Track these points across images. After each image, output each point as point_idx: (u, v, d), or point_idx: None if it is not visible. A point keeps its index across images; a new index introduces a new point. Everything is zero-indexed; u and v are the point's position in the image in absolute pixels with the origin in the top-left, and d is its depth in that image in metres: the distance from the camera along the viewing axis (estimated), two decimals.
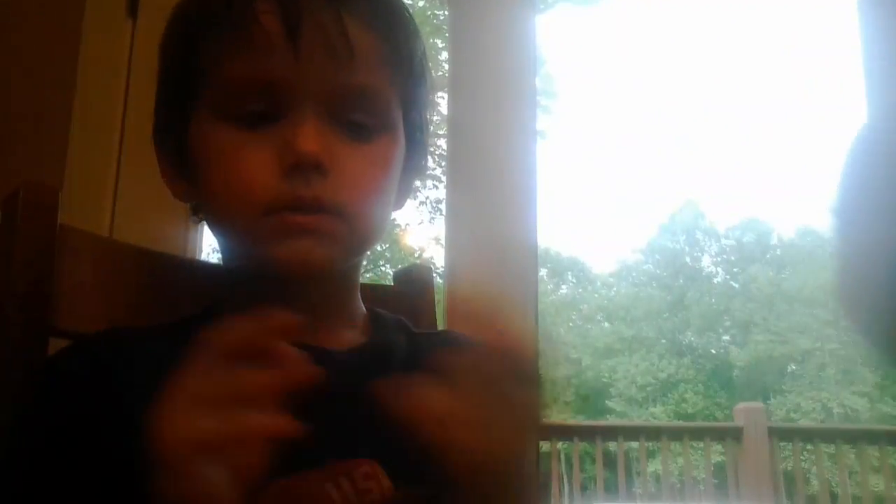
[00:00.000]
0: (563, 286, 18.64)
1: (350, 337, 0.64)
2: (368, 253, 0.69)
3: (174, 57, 0.63)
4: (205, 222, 0.66)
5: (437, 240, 11.78)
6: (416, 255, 12.28)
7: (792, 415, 15.04)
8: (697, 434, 5.24)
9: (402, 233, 12.62)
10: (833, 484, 6.29)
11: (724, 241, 18.94)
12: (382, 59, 0.60)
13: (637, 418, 14.91)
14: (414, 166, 0.67)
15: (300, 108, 0.57)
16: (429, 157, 0.71)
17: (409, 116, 0.65)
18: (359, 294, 0.68)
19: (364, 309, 0.68)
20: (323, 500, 0.53)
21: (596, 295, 18.69)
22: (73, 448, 0.53)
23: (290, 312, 0.45)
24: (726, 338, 17.48)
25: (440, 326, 0.83)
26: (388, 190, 0.63)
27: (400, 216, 12.80)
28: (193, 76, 0.60)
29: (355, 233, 0.59)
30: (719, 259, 18.88)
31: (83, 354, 0.59)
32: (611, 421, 13.26)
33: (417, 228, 12.30)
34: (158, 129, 0.65)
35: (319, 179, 0.56)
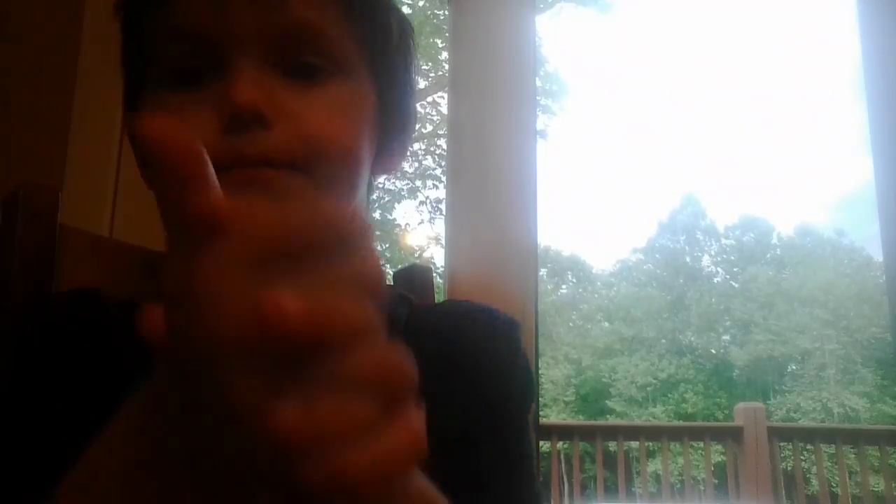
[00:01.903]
0: (563, 286, 18.65)
1: None
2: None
3: (124, 40, 0.61)
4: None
5: (437, 240, 11.80)
6: (416, 255, 12.29)
7: (792, 415, 15.05)
8: (697, 434, 5.24)
9: (402, 233, 12.62)
10: (833, 484, 6.30)
11: (724, 240, 18.97)
12: None
13: (637, 418, 14.92)
14: (394, 125, 0.60)
15: (235, 57, 0.52)
16: (414, 120, 0.64)
17: (377, 64, 0.58)
18: None
19: None
20: None
21: (596, 295, 18.69)
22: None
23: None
24: (726, 338, 17.50)
25: None
26: (354, 137, 0.55)
27: (400, 216, 12.82)
28: (138, 54, 0.58)
29: (323, 183, 0.52)
30: (719, 259, 18.90)
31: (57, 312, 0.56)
32: (611, 421, 13.28)
33: (417, 228, 12.32)
34: (126, 118, 0.62)
35: (263, 133, 0.50)
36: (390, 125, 0.60)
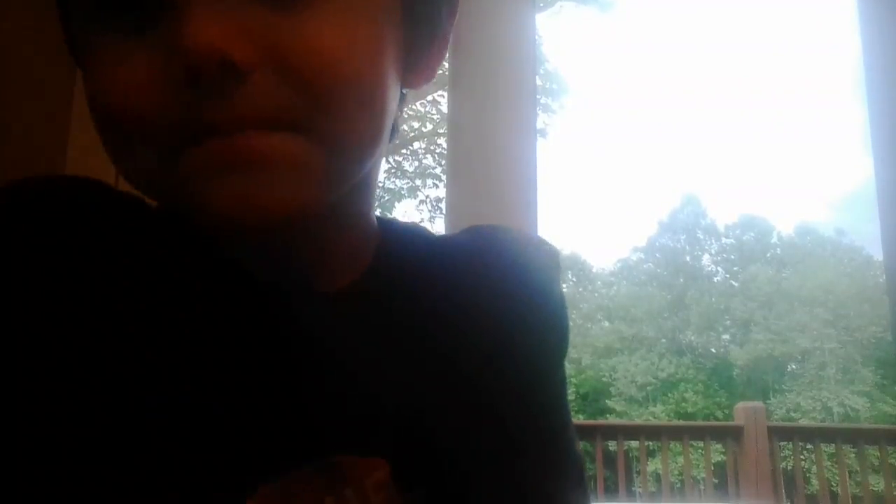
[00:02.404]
0: (564, 285, 18.63)
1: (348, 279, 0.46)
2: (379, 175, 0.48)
3: None
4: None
5: None
6: None
7: (792, 414, 15.04)
8: (697, 433, 5.24)
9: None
10: (833, 483, 6.30)
11: (724, 239, 18.96)
12: None
13: (637, 418, 14.91)
14: (428, 13, 0.44)
15: None
16: (455, 7, 0.47)
17: None
18: (366, 229, 0.47)
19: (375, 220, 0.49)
20: None
21: (596, 294, 18.69)
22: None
23: None
24: (726, 337, 17.49)
25: None
26: (372, 62, 0.39)
27: (400, 215, 12.82)
28: None
29: (332, 142, 0.37)
30: (719, 258, 18.89)
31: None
32: (611, 420, 13.26)
33: None
34: (67, 43, 0.45)
35: (236, 86, 0.35)
36: (422, 19, 0.44)
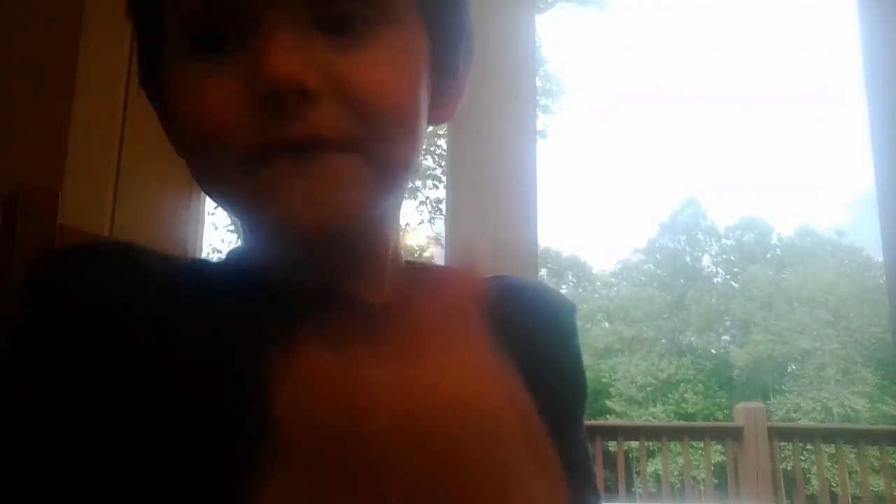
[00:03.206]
0: (564, 286, 18.63)
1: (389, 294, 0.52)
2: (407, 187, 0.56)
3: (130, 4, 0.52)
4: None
5: (437, 240, 11.79)
6: (416, 255, 12.29)
7: (792, 415, 15.04)
8: (697, 434, 5.24)
9: (402, 233, 12.59)
10: (833, 484, 6.29)
11: (724, 240, 18.96)
12: None
13: (637, 418, 14.91)
14: (449, 69, 0.52)
15: (263, 16, 0.43)
16: (471, 56, 0.55)
17: (424, 3, 0.49)
18: (399, 247, 0.55)
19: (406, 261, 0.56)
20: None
21: (596, 295, 18.69)
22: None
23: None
24: (726, 338, 17.49)
25: None
26: (411, 98, 0.47)
27: (400, 216, 12.78)
28: (155, 14, 0.49)
29: (380, 162, 0.45)
30: (719, 259, 18.89)
31: (98, 260, 0.47)
32: (611, 421, 13.27)
33: (417, 228, 12.32)
34: (143, 80, 0.53)
35: (308, 108, 0.42)
36: (445, 70, 0.52)
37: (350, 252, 0.50)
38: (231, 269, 0.53)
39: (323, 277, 0.49)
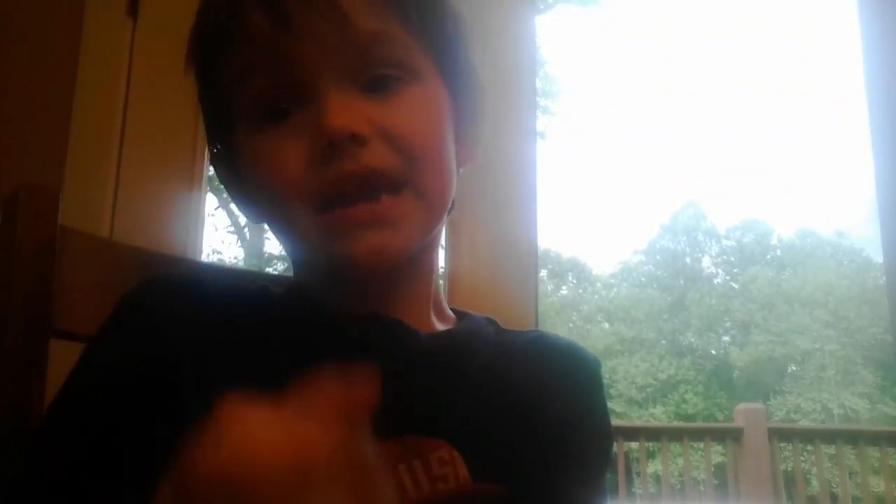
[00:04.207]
0: (564, 287, 18.63)
1: (438, 326, 0.62)
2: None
3: (202, 88, 0.61)
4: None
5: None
6: None
7: (792, 415, 15.03)
8: (697, 435, 5.25)
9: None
10: (833, 485, 6.30)
11: (724, 241, 18.95)
12: (382, 5, 0.55)
13: (637, 419, 14.91)
14: (466, 116, 0.62)
15: (318, 85, 0.53)
16: (482, 104, 0.65)
17: (441, 62, 0.59)
18: (436, 293, 0.63)
19: (449, 309, 0.65)
20: (391, 480, 0.46)
21: (596, 296, 18.68)
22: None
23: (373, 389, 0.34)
24: (726, 339, 17.48)
25: None
26: (442, 139, 0.57)
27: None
28: (222, 99, 0.58)
29: (426, 197, 0.55)
30: (720, 260, 18.88)
31: (170, 291, 0.58)
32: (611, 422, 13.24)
33: None
34: (214, 160, 0.63)
35: (360, 149, 0.52)
36: (463, 117, 0.61)
37: (400, 283, 0.58)
38: (292, 298, 0.60)
39: (374, 305, 0.57)
